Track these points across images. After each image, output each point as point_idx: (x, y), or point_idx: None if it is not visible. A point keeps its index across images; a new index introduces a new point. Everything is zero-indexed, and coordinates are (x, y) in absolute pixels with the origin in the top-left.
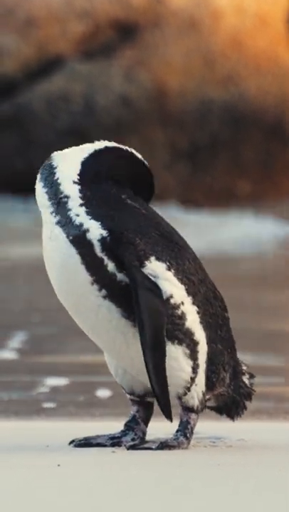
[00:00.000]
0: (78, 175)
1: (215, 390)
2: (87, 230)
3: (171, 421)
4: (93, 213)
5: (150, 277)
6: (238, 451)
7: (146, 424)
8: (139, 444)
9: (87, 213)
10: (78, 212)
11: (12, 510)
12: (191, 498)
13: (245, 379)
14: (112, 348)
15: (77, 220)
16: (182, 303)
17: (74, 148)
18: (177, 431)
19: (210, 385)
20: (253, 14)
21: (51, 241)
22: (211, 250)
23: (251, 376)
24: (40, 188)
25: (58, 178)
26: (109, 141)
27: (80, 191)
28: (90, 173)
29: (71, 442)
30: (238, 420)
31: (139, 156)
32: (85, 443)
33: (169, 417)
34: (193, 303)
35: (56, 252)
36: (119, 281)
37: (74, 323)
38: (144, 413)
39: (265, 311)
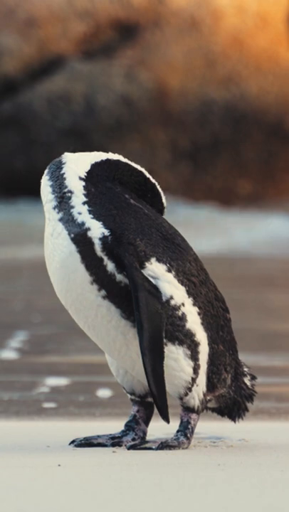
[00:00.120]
0: (86, 172)
1: (216, 391)
2: (89, 229)
3: (168, 422)
4: (95, 212)
5: (150, 279)
6: (238, 451)
7: (146, 424)
8: (140, 444)
9: (90, 212)
10: (81, 210)
11: (13, 510)
12: (191, 498)
13: (247, 380)
14: (112, 348)
15: (80, 219)
16: (183, 304)
17: (88, 153)
18: (178, 431)
19: (211, 385)
20: (254, 14)
21: (53, 238)
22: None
23: (253, 378)
24: (45, 181)
25: (64, 173)
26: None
27: (85, 188)
28: (98, 173)
29: (72, 442)
30: (239, 420)
31: (149, 175)
32: (86, 443)
33: (166, 418)
34: (194, 304)
35: (57, 249)
36: (119, 282)
37: (75, 324)
38: (144, 413)
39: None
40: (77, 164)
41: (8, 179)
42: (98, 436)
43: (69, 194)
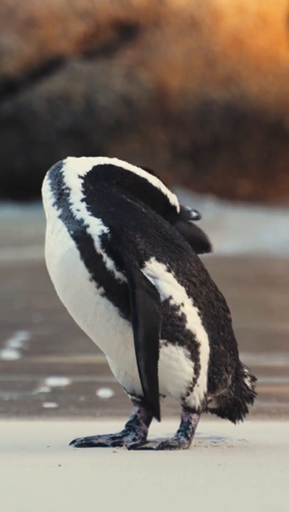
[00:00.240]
0: (86, 172)
1: (217, 392)
2: (88, 226)
3: (159, 420)
4: (94, 209)
5: (149, 278)
6: (239, 451)
7: (147, 424)
8: (140, 444)
9: (88, 209)
10: (79, 207)
11: (13, 510)
12: (191, 498)
13: (247, 381)
14: (111, 348)
15: (78, 215)
16: (182, 304)
17: (93, 157)
18: (178, 431)
19: (212, 386)
20: (254, 14)
21: (53, 235)
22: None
23: (253, 379)
24: (45, 180)
25: (63, 171)
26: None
27: (83, 185)
28: (98, 173)
29: (72, 442)
30: (239, 422)
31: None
32: (86, 443)
33: (157, 416)
34: (194, 304)
35: (57, 246)
36: (117, 280)
37: (75, 324)
38: (145, 413)
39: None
40: (77, 164)
41: (8, 179)
42: (99, 436)
43: (67, 191)
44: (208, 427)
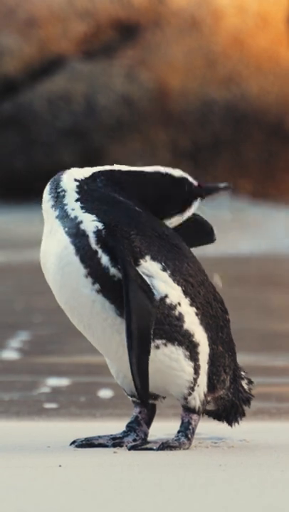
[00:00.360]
0: (84, 177)
1: (216, 392)
2: (81, 222)
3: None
4: (88, 207)
5: (144, 277)
6: (239, 451)
7: (148, 425)
8: (141, 444)
9: (82, 208)
10: (74, 206)
11: (13, 510)
12: (191, 498)
13: (244, 384)
14: (109, 350)
15: (73, 214)
16: (179, 304)
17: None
18: (179, 431)
19: (211, 386)
20: (254, 14)
21: (51, 235)
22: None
23: (250, 382)
24: (46, 186)
25: (61, 176)
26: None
27: (78, 187)
28: (95, 177)
29: (73, 443)
30: (236, 425)
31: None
32: (87, 443)
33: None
34: (192, 304)
35: (53, 245)
36: (112, 276)
37: None
38: (146, 414)
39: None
40: (77, 171)
41: (8, 179)
42: (99, 436)
43: (63, 193)
44: (208, 427)
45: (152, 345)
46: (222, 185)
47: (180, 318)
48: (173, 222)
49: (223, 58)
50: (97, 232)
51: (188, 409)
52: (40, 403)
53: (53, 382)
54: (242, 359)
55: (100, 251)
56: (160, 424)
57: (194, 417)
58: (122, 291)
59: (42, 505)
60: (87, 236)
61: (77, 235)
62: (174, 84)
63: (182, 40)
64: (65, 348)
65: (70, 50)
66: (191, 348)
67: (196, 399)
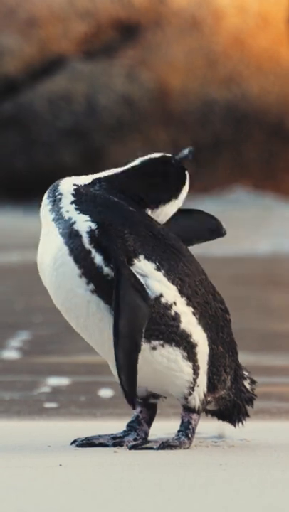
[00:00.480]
0: (83, 182)
1: (216, 392)
2: (75, 222)
3: (134, 408)
4: (81, 209)
5: (138, 276)
6: (240, 451)
7: (149, 425)
8: (141, 444)
9: (76, 209)
10: (68, 208)
11: (13, 510)
12: (191, 498)
13: (247, 384)
14: (107, 351)
15: (67, 215)
16: (174, 303)
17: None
18: (179, 431)
19: (211, 386)
20: (255, 14)
21: (47, 237)
22: None
23: (252, 381)
24: (46, 192)
25: (61, 180)
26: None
27: (74, 190)
28: (94, 181)
29: (73, 442)
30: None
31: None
32: (87, 443)
33: (132, 403)
34: (188, 304)
35: (48, 247)
36: (106, 275)
37: None
38: (147, 414)
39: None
40: (79, 178)
41: (9, 179)
42: (100, 436)
43: (59, 196)
44: (209, 426)
45: (149, 346)
46: (186, 151)
47: (176, 318)
48: (172, 208)
49: (224, 58)
50: (90, 232)
51: (189, 409)
52: (41, 403)
53: (54, 381)
54: (242, 359)
55: (93, 251)
56: (160, 424)
57: (194, 416)
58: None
59: (42, 505)
60: (81, 236)
61: (70, 236)
62: (175, 84)
63: (183, 40)
64: (65, 347)
65: (70, 50)
66: (189, 348)
67: (196, 399)
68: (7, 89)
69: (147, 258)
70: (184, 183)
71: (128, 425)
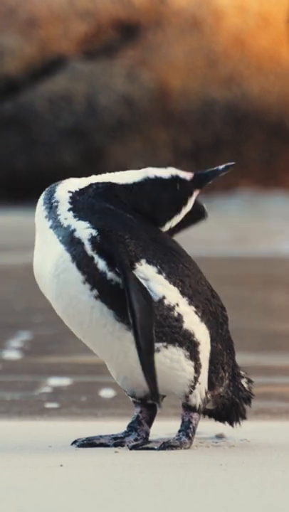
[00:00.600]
0: (79, 188)
1: (215, 390)
2: (75, 230)
3: (160, 406)
4: (80, 216)
5: (141, 280)
6: (240, 451)
7: (149, 425)
8: (142, 444)
9: (74, 216)
10: (66, 216)
11: (13, 510)
12: (191, 498)
13: (244, 382)
14: (110, 356)
15: (66, 223)
16: (177, 304)
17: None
18: (179, 431)
19: (210, 384)
20: (256, 14)
21: (44, 245)
22: None
23: (249, 381)
24: (41, 196)
25: (56, 186)
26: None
27: (71, 197)
28: (91, 188)
29: (74, 442)
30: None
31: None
32: (88, 443)
33: (157, 401)
34: (190, 303)
35: (48, 255)
36: (110, 280)
37: None
38: (147, 414)
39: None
40: (73, 182)
41: (9, 179)
42: (100, 436)
43: (56, 203)
44: (209, 426)
45: None
46: (221, 167)
47: (179, 318)
48: (173, 222)
49: (224, 58)
50: (92, 239)
51: (189, 408)
52: (42, 403)
53: (54, 381)
54: (242, 359)
55: (96, 257)
56: (161, 424)
57: (195, 415)
58: (120, 296)
59: (42, 505)
60: (83, 243)
61: (72, 243)
62: (175, 84)
63: (183, 40)
64: (66, 347)
65: (70, 50)
66: (192, 347)
67: (197, 397)
68: (7, 89)
69: (149, 262)
70: (186, 204)
71: (129, 426)
